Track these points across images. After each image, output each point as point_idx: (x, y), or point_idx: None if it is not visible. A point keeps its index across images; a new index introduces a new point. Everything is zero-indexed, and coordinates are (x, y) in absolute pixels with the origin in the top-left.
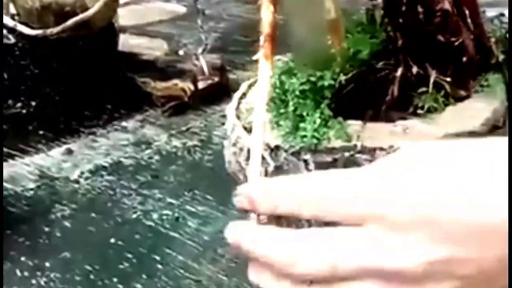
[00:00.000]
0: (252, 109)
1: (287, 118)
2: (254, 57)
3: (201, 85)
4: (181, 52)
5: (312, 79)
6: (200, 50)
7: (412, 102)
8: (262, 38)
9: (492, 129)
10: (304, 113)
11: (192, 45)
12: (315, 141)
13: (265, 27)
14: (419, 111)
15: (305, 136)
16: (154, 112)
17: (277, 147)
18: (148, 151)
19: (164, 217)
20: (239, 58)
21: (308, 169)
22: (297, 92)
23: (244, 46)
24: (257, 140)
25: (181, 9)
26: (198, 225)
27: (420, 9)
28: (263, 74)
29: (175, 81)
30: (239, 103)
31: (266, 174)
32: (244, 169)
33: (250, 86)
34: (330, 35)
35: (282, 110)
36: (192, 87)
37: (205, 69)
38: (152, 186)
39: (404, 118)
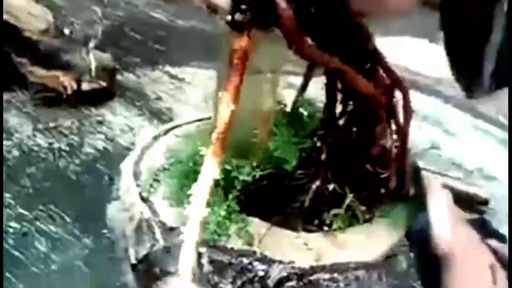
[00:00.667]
0: (154, 175)
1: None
2: (202, 152)
3: (85, 86)
4: (66, 31)
5: (227, 167)
6: (92, 43)
7: (321, 216)
8: (214, 135)
9: (385, 259)
10: (212, 202)
11: (80, 26)
12: (216, 237)
13: (220, 125)
14: (325, 227)
15: (207, 228)
16: (22, 96)
17: (173, 229)
18: (7, 143)
19: (10, 229)
20: (129, 57)
21: (200, 264)
22: None
23: (136, 44)
24: (191, 239)
25: None
26: (48, 248)
27: (356, 133)
28: (208, 171)
29: (57, 72)
30: (139, 158)
31: (151, 250)
32: (129, 237)
33: (156, 138)
34: (259, 126)
35: (189, 192)
36: (74, 86)
37: (93, 69)
38: (3, 187)
39: (308, 230)
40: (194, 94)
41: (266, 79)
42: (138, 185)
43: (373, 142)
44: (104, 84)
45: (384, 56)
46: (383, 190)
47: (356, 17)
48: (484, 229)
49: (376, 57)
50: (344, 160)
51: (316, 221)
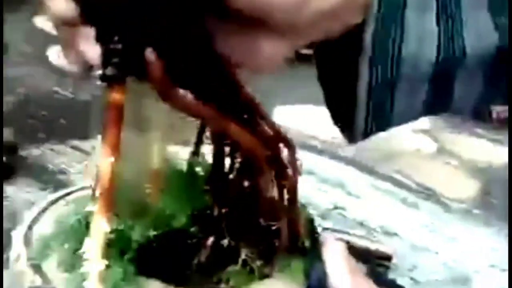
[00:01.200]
0: (46, 242)
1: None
2: (88, 207)
3: None
4: None
5: (121, 227)
6: None
7: (218, 273)
8: (97, 192)
9: None
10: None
11: None
12: None
13: (103, 181)
14: (222, 285)
15: None
16: None
17: None
18: None
19: None
20: (33, 132)
21: None
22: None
23: (41, 119)
24: None
25: None
26: None
27: (246, 187)
28: (98, 227)
29: None
30: (29, 229)
31: None
32: None
33: (44, 210)
34: (150, 185)
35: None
36: None
37: None
38: None
39: (206, 286)
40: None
41: (157, 136)
42: (28, 253)
43: (260, 196)
44: (5, 159)
45: (263, 109)
46: (277, 243)
47: (230, 67)
48: (381, 280)
49: (252, 108)
50: (236, 215)
51: (215, 279)
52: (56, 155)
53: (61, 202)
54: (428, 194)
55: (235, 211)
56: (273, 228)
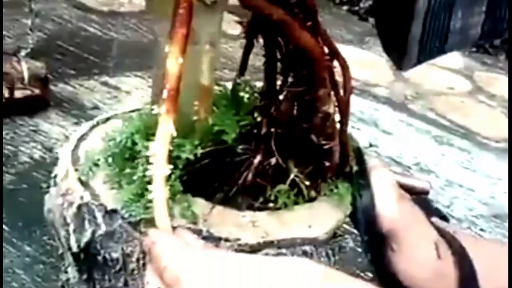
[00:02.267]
0: (93, 159)
1: (133, 182)
2: (155, 111)
3: (18, 94)
4: None
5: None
6: (23, 52)
7: (265, 193)
8: (165, 92)
9: (332, 236)
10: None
11: (11, 39)
12: None
13: (170, 80)
14: (270, 204)
15: (148, 207)
16: None
17: (114, 211)
18: None
19: None
20: (63, 68)
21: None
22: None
23: (69, 56)
24: (159, 196)
25: None
26: None
27: (298, 104)
28: (164, 130)
29: None
30: (76, 146)
31: (93, 236)
32: (69, 225)
33: (93, 127)
34: (199, 102)
35: (128, 170)
36: (7, 94)
37: (26, 77)
38: None
39: (252, 207)
40: (130, 102)
41: (204, 52)
42: (76, 170)
43: (316, 109)
44: (37, 91)
45: (321, 24)
46: (327, 164)
47: None
48: (427, 208)
49: (316, 18)
50: (286, 133)
51: (260, 198)
52: (87, 91)
53: (110, 122)
54: (463, 132)
55: (286, 129)
56: (325, 147)
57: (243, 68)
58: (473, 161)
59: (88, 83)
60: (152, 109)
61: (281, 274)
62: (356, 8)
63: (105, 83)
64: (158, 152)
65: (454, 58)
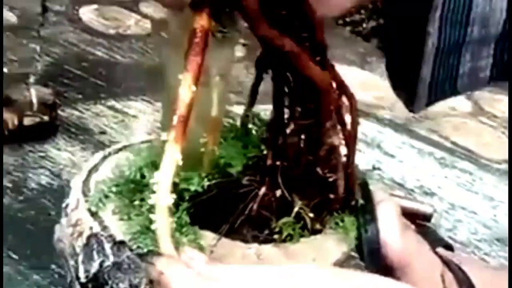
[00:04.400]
0: (103, 190)
1: (141, 214)
2: (163, 138)
3: (27, 121)
4: (5, 70)
5: (175, 180)
6: (32, 78)
7: (270, 225)
8: (175, 118)
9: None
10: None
11: (19, 63)
12: None
13: (181, 108)
14: (275, 236)
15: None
16: None
17: (122, 243)
18: None
19: None
20: (70, 93)
21: None
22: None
23: (76, 80)
24: (163, 226)
25: (11, 18)
26: None
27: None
28: (170, 157)
29: None
30: (88, 176)
31: (101, 267)
32: (78, 255)
33: (104, 158)
34: (207, 134)
35: (137, 202)
36: (16, 121)
37: (35, 104)
38: None
39: (257, 239)
40: (137, 126)
41: (215, 84)
42: (86, 201)
43: (322, 141)
44: (46, 118)
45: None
46: (332, 196)
47: (310, 11)
48: (432, 238)
49: (324, 52)
50: (291, 165)
51: (266, 230)
52: (94, 116)
53: (121, 153)
54: (466, 154)
55: (291, 161)
56: (330, 180)
57: (252, 100)
58: (475, 183)
59: (95, 107)
60: (160, 138)
61: (291, 279)
62: (359, 28)
63: (112, 107)
64: (162, 180)
65: None
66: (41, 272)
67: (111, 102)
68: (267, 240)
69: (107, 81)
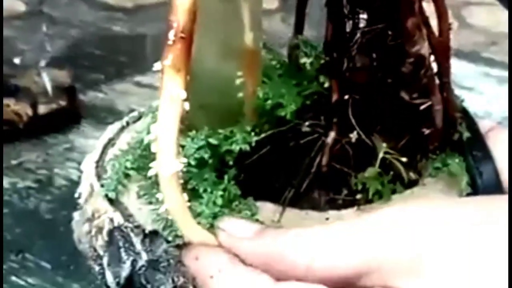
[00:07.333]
0: (122, 168)
1: None
2: (155, 67)
3: (42, 109)
4: (16, 61)
5: (213, 141)
6: (43, 62)
7: (348, 182)
8: (171, 34)
9: None
10: (201, 190)
11: (32, 53)
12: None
13: (180, 16)
14: (357, 196)
15: (198, 223)
16: None
17: (155, 233)
18: None
19: None
20: (91, 75)
21: None
22: (191, 160)
23: (98, 61)
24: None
25: (20, 7)
26: None
27: (377, 53)
28: (170, 95)
29: (7, 101)
30: (102, 155)
31: (134, 268)
32: (102, 257)
33: (122, 129)
34: (244, 72)
35: None
36: (30, 112)
37: (49, 89)
38: None
39: (334, 203)
40: None
41: (243, 1)
42: (102, 185)
43: (404, 52)
44: (63, 103)
45: None
46: (427, 131)
47: None
48: None
49: None
50: (365, 96)
51: (344, 190)
52: (121, 95)
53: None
54: None
55: (364, 90)
56: (422, 107)
57: (299, 23)
58: None
59: (120, 86)
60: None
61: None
62: None
63: (138, 84)
64: (161, 136)
65: None
66: (81, 280)
67: (137, 78)
68: (348, 203)
69: (130, 56)
